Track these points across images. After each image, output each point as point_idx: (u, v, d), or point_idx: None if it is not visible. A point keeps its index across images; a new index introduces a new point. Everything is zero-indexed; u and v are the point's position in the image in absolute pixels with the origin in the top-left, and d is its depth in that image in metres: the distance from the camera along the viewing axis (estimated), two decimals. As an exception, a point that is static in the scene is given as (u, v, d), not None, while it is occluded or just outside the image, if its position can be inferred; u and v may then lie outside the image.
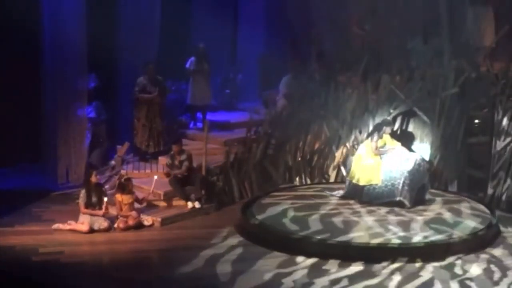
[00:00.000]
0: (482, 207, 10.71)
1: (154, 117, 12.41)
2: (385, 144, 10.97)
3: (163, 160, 11.98)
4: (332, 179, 12.27)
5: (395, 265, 8.76)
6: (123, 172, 11.71)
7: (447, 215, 10.31)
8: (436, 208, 10.61)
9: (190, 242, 9.73)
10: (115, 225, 10.20)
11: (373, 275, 8.49)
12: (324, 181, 12.30)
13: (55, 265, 8.78)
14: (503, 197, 11.21)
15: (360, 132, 12.24)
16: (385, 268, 8.67)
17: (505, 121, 11.32)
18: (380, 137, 10.91)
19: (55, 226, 10.16)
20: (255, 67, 15.54)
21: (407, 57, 12.63)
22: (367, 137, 11.14)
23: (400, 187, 10.53)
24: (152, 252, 9.54)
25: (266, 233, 9.68)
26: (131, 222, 10.21)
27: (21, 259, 8.97)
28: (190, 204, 10.91)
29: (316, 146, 12.55)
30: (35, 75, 12.17)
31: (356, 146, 11.90)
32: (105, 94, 12.95)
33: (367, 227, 9.82)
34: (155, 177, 10.89)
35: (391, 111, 12.06)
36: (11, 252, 9.18)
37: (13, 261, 8.92)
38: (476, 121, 11.80)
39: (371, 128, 11.88)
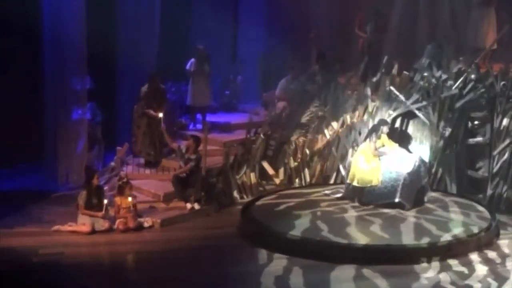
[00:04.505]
0: (481, 208, 10.72)
1: (156, 125, 11.79)
2: (383, 145, 10.99)
3: (163, 161, 12.03)
4: (331, 180, 12.27)
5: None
6: (122, 173, 11.70)
7: (447, 216, 10.31)
8: (435, 209, 10.60)
9: (191, 243, 9.74)
10: (115, 226, 10.21)
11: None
12: (323, 182, 12.30)
13: (55, 266, 8.79)
14: (503, 198, 11.21)
15: (360, 133, 12.24)
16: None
17: (504, 122, 11.32)
18: (378, 137, 10.92)
19: (55, 227, 10.16)
20: (255, 68, 15.56)
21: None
22: (365, 138, 11.14)
23: (399, 188, 10.54)
24: (152, 253, 9.53)
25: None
26: (131, 224, 10.21)
27: (21, 260, 8.97)
28: (188, 205, 10.90)
29: (316, 146, 12.56)
30: (35, 75, 12.17)
31: (355, 147, 11.90)
32: (103, 95, 12.92)
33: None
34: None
35: (391, 112, 12.06)
36: (12, 253, 9.18)
37: (14, 262, 8.92)
38: (476, 122, 11.80)
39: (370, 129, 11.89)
